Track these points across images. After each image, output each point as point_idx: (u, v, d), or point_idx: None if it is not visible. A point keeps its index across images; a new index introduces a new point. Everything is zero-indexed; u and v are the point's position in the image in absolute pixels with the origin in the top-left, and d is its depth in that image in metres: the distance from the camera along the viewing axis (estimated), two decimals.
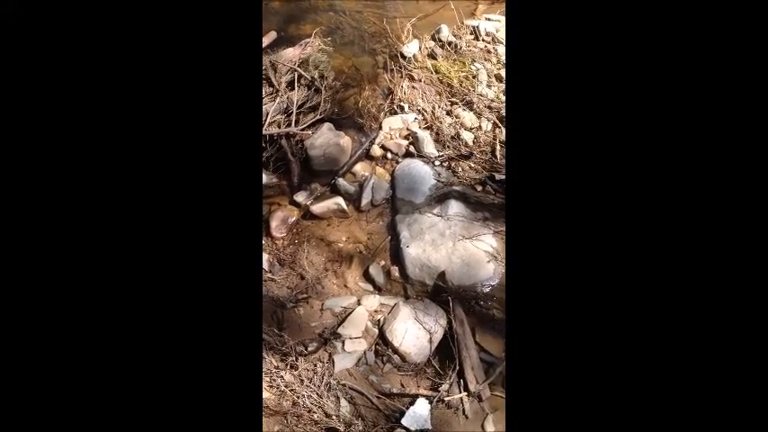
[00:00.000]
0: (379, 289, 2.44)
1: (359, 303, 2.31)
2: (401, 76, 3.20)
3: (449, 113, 3.02)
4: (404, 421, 1.92)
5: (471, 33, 3.42)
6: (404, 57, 3.29)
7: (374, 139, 2.95)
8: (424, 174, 2.76)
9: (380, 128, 3.00)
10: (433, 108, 3.03)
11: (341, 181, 2.78)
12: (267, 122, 2.83)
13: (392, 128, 3.00)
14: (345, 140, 2.89)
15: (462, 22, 3.49)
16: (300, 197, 2.73)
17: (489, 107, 2.99)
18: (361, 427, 1.92)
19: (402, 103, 3.08)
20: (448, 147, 2.87)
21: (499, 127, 2.90)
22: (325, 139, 2.87)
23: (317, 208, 2.67)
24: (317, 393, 1.99)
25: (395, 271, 2.48)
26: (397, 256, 2.51)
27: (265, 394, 1.97)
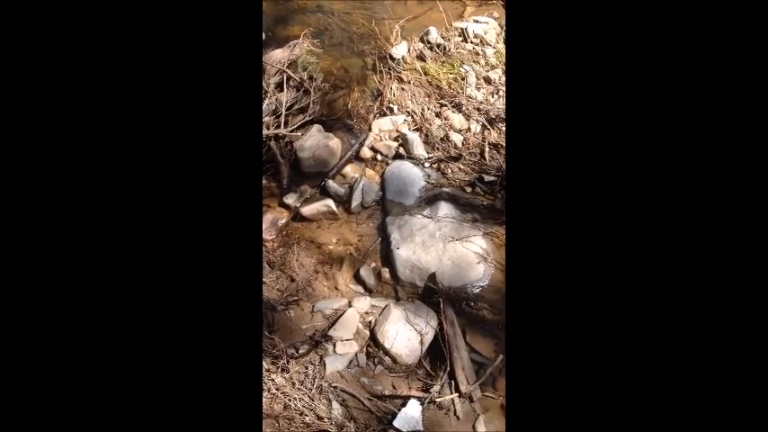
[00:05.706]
0: (369, 291, 2.44)
1: (350, 305, 2.31)
2: (390, 78, 3.20)
3: (438, 115, 3.03)
4: (395, 423, 1.93)
5: (460, 35, 3.44)
6: (393, 58, 3.30)
7: (364, 140, 2.95)
8: (413, 175, 2.77)
9: (370, 129, 3.00)
10: (423, 110, 3.04)
11: (331, 183, 2.77)
12: None
13: (382, 129, 3.00)
14: (335, 142, 2.88)
15: (451, 24, 3.50)
16: (290, 199, 2.72)
17: (478, 109, 3.01)
18: (353, 430, 1.92)
19: (391, 105, 3.09)
20: (437, 148, 2.88)
21: (488, 129, 2.92)
22: (314, 140, 2.87)
23: (307, 210, 2.66)
24: (309, 396, 1.99)
25: (385, 273, 2.48)
26: (387, 257, 2.51)
27: None
